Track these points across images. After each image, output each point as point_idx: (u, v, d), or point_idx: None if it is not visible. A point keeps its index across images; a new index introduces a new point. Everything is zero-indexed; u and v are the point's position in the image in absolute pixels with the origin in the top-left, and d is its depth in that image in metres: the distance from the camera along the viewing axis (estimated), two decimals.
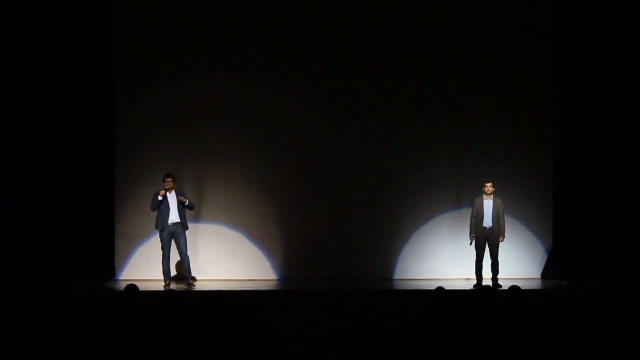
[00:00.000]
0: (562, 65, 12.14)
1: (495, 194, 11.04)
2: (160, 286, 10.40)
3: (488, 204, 10.98)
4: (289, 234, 11.90)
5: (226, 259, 11.77)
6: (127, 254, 11.67)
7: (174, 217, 10.73)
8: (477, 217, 10.97)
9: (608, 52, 11.96)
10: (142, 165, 11.72)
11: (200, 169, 11.48)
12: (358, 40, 11.96)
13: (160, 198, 10.65)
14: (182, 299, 6.77)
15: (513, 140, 12.11)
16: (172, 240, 10.74)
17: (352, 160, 11.94)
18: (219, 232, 11.68)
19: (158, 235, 10.85)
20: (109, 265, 11.62)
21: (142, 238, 11.67)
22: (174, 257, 10.92)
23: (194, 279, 11.08)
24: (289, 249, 11.88)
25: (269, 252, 11.87)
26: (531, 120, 12.16)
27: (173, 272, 11.00)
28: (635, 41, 11.90)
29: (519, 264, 11.86)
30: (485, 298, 6.79)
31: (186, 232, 10.83)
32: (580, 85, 12.07)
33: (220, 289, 10.66)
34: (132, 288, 7.15)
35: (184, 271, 10.87)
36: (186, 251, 10.77)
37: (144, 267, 11.57)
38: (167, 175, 10.76)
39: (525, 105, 12.14)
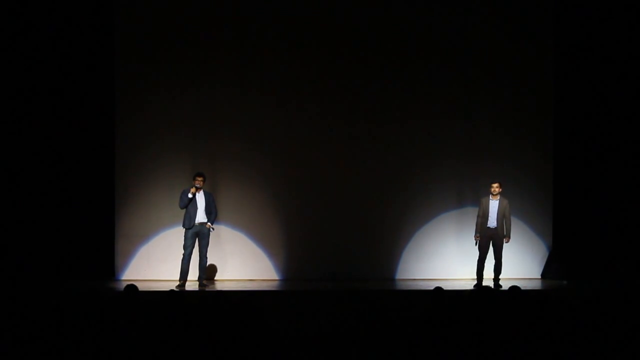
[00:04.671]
0: (562, 65, 12.15)
1: (501, 194, 11.06)
2: (160, 286, 10.29)
3: (494, 204, 11.00)
4: (290, 235, 11.90)
5: (227, 259, 11.77)
6: (128, 254, 11.66)
7: (201, 217, 10.75)
8: (483, 217, 10.99)
9: (608, 52, 11.97)
10: (142, 165, 11.72)
11: (201, 169, 11.43)
12: (360, 42, 11.97)
13: (190, 196, 10.65)
14: (182, 299, 6.78)
15: (513, 140, 12.11)
16: (196, 240, 10.74)
17: (353, 161, 11.94)
18: (219, 232, 11.66)
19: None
20: (109, 265, 11.61)
21: (142, 238, 11.66)
22: (194, 260, 10.83)
23: (207, 279, 11.13)
24: (290, 249, 11.88)
25: (270, 252, 11.87)
26: (531, 120, 12.17)
27: (190, 274, 10.83)
28: (635, 41, 11.90)
29: (519, 264, 11.86)
30: (485, 298, 6.79)
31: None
32: (580, 85, 12.08)
33: (220, 289, 10.77)
34: (132, 288, 7.16)
35: (199, 271, 10.86)
36: (206, 252, 10.79)
37: (144, 267, 11.58)
38: (198, 175, 10.77)
39: (525, 105, 12.15)
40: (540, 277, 11.99)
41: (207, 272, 11.38)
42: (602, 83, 12.00)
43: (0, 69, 11.38)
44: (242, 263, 11.79)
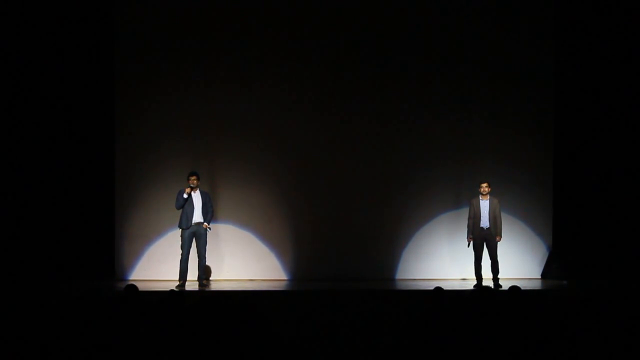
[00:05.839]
0: (562, 65, 12.15)
1: (492, 194, 11.05)
2: (160, 286, 10.30)
3: (484, 204, 10.99)
4: (292, 235, 11.89)
5: (227, 259, 11.76)
6: (129, 255, 11.65)
7: (197, 217, 10.73)
8: (475, 218, 10.98)
9: (608, 51, 11.97)
10: (143, 166, 11.72)
11: (202, 168, 11.44)
12: (359, 42, 11.97)
13: (185, 196, 10.63)
14: (182, 299, 6.77)
15: (513, 140, 12.10)
16: (193, 240, 10.73)
17: (354, 162, 11.93)
18: (219, 232, 11.65)
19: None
20: (109, 265, 11.61)
21: (143, 238, 11.66)
22: (192, 259, 10.82)
23: (207, 279, 11.13)
24: (292, 250, 11.88)
25: (270, 252, 11.86)
26: (531, 119, 12.16)
27: (189, 274, 10.81)
28: (635, 40, 11.90)
29: (519, 264, 11.86)
30: (485, 298, 6.79)
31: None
32: (580, 84, 12.08)
33: (220, 289, 10.76)
34: (132, 288, 7.16)
35: (198, 271, 10.85)
36: (204, 252, 10.78)
37: (144, 267, 11.59)
38: (192, 174, 10.74)
39: (525, 105, 12.14)
40: (540, 277, 11.99)
41: (207, 272, 11.39)
42: (602, 82, 12.00)
43: (2, 72, 11.37)
44: (241, 263, 11.78)
